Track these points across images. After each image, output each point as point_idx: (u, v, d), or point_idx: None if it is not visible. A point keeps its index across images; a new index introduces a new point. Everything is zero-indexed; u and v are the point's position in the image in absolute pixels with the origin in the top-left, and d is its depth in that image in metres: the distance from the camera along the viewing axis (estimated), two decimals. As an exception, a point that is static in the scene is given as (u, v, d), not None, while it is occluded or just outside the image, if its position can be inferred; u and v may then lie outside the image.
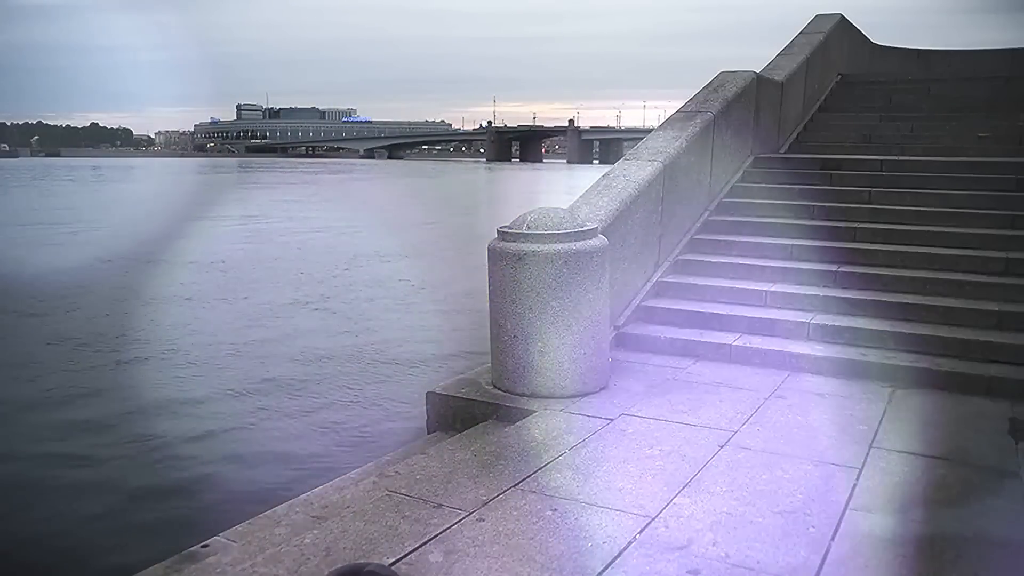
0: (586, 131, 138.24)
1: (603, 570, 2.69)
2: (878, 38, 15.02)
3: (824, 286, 5.97)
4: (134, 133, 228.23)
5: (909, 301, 5.60)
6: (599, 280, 4.63)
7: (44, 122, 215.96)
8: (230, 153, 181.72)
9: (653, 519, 3.06)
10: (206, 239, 21.39)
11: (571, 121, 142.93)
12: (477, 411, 4.58)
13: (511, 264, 4.50)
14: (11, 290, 13.41)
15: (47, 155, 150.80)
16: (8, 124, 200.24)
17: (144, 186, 55.40)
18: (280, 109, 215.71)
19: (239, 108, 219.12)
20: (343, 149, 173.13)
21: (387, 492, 3.29)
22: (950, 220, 6.52)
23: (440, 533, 2.91)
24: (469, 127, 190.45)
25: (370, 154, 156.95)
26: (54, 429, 7.20)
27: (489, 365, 4.87)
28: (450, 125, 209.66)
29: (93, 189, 51.77)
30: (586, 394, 4.59)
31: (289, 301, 13.08)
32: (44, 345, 10.06)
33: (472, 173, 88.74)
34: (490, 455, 3.71)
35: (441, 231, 24.01)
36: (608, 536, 2.92)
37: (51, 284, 13.88)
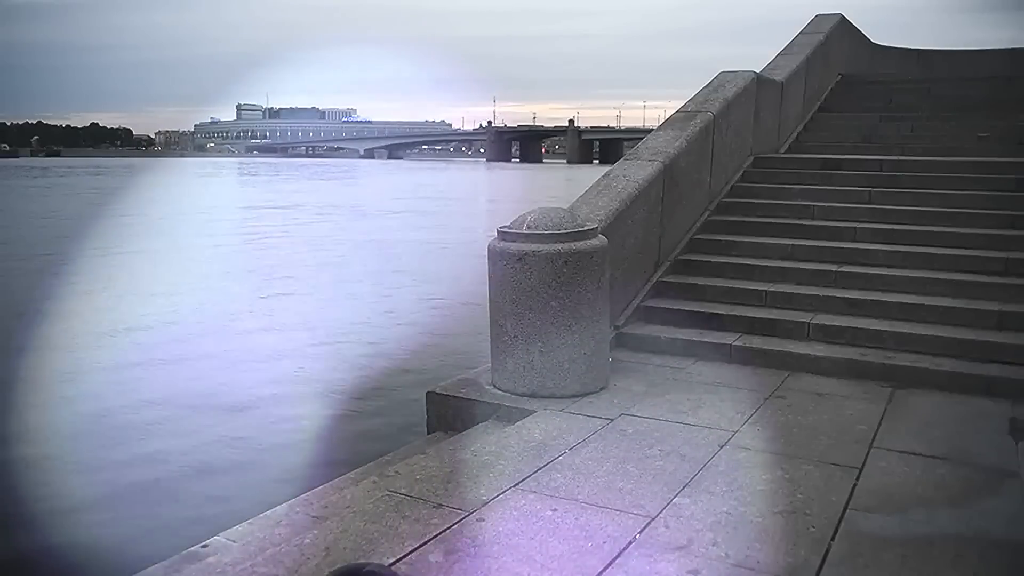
0: (586, 131, 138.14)
1: (603, 570, 2.69)
2: (878, 38, 15.05)
3: (824, 286, 5.97)
4: (134, 133, 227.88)
5: (909, 301, 5.60)
6: (599, 280, 4.62)
7: (44, 122, 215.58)
8: (230, 153, 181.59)
9: (653, 519, 3.06)
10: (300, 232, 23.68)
11: (571, 121, 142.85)
12: (477, 411, 4.58)
13: (511, 264, 4.50)
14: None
15: (47, 155, 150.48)
16: (8, 124, 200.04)
17: (195, 186, 55.67)
18: (280, 109, 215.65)
19: (239, 108, 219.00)
20: (343, 149, 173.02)
21: (387, 492, 3.29)
22: (950, 220, 6.52)
23: (440, 533, 2.91)
24: (469, 127, 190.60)
25: (370, 154, 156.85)
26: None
27: (489, 365, 4.87)
28: (450, 125, 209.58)
29: (151, 186, 52.25)
30: (586, 394, 4.59)
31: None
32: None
33: (479, 172, 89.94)
34: (490, 455, 3.71)
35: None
36: (608, 536, 2.91)
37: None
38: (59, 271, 15.41)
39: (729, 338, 5.50)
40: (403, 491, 3.28)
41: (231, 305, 12.63)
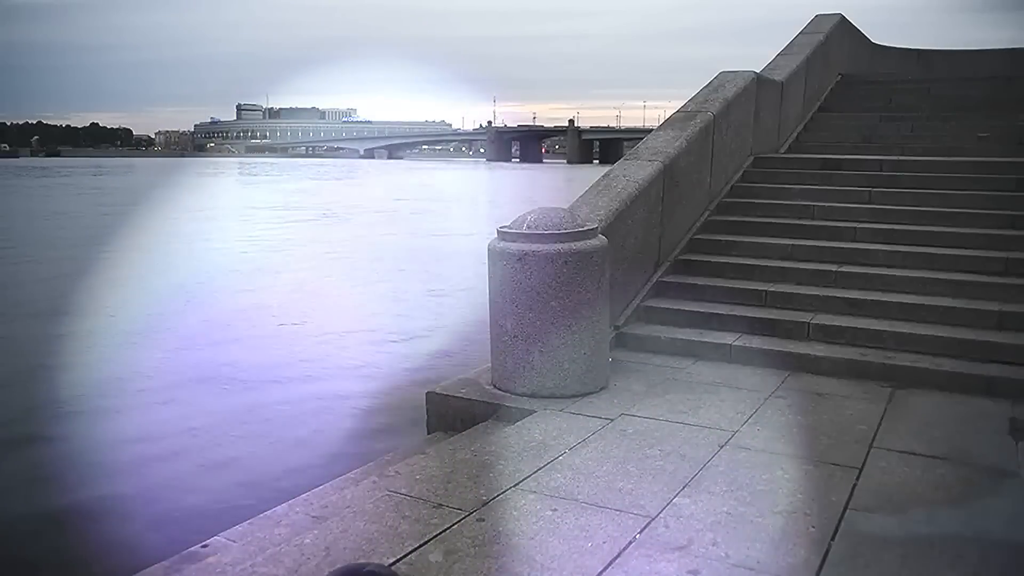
0: (586, 131, 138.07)
1: (603, 570, 2.69)
2: (878, 38, 15.06)
3: (824, 286, 5.97)
4: (134, 133, 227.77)
5: (909, 301, 5.60)
6: (599, 280, 4.63)
7: (44, 122, 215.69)
8: (230, 153, 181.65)
9: (653, 519, 3.06)
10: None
11: (571, 121, 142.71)
12: (477, 411, 4.58)
13: (511, 264, 4.50)
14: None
15: (47, 155, 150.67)
16: (8, 124, 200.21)
17: (237, 186, 55.74)
18: (280, 109, 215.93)
19: (239, 108, 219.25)
20: (343, 149, 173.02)
21: (387, 492, 3.29)
22: (950, 220, 6.52)
23: (440, 533, 2.91)
24: (469, 127, 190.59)
25: (370, 154, 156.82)
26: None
27: (489, 365, 4.87)
28: (450, 125, 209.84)
29: (154, 187, 51.58)
30: (586, 394, 4.59)
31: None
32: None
33: (480, 172, 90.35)
34: (490, 455, 3.71)
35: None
36: (608, 536, 2.92)
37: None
38: (84, 269, 15.33)
39: (729, 338, 5.50)
40: (403, 491, 3.28)
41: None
